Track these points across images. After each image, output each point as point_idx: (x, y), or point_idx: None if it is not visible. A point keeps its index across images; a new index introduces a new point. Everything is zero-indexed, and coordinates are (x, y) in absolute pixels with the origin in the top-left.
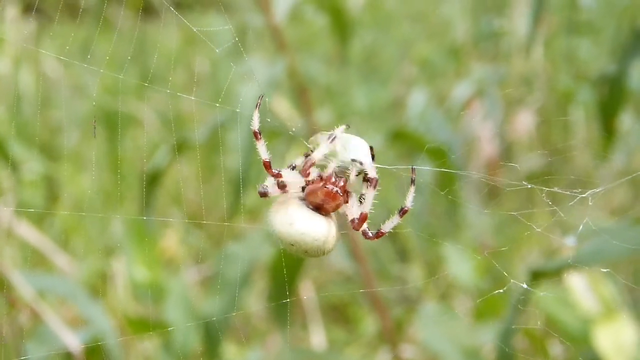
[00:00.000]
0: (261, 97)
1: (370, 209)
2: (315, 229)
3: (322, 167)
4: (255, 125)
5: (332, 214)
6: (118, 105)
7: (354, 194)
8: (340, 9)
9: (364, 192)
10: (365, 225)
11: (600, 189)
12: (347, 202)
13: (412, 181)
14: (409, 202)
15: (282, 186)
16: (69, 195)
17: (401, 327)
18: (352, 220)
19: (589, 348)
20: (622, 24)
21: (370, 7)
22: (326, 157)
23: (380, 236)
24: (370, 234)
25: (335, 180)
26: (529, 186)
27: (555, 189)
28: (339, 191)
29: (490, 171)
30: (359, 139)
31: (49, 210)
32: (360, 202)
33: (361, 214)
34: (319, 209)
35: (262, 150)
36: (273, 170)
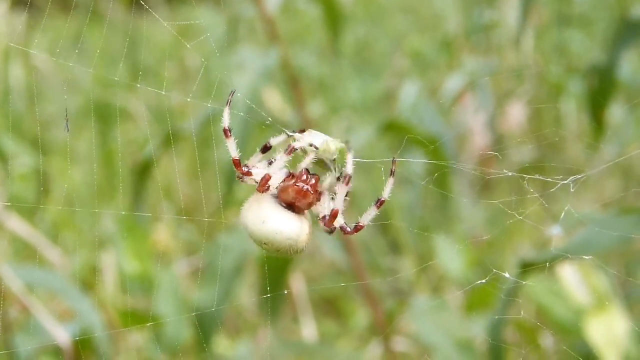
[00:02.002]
0: (232, 93)
1: (344, 206)
2: (288, 228)
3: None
4: (226, 122)
5: (306, 212)
6: (109, 99)
7: (326, 192)
8: (332, 1)
9: (336, 188)
10: (342, 221)
11: (582, 175)
12: (319, 200)
13: (392, 172)
14: (386, 193)
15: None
16: (60, 189)
17: (393, 320)
18: (323, 218)
19: (580, 340)
20: (613, 15)
21: (363, 0)
22: (303, 152)
23: (359, 229)
24: (349, 229)
25: (307, 178)
26: (510, 174)
27: (537, 176)
28: (309, 189)
29: (482, 163)
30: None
31: (40, 204)
32: (332, 199)
33: (332, 210)
34: (291, 207)
35: (232, 148)
36: (242, 168)
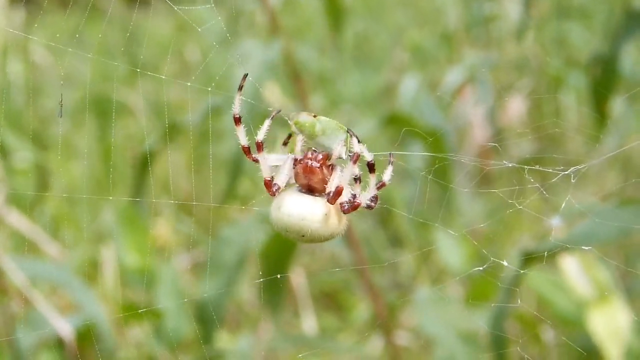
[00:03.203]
0: (245, 76)
1: (358, 189)
2: (299, 209)
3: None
4: (237, 109)
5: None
6: (109, 93)
7: (338, 168)
8: None
9: (344, 167)
10: (346, 198)
11: (583, 166)
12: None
13: (390, 162)
14: (386, 176)
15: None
16: (60, 183)
17: (394, 313)
18: (328, 194)
19: (582, 332)
20: (614, 8)
21: None
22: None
23: (356, 207)
24: (346, 206)
25: (313, 155)
26: (510, 165)
27: (537, 167)
28: (314, 164)
29: (481, 156)
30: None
31: (40, 196)
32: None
33: (336, 187)
34: (311, 190)
35: (242, 136)
36: (253, 156)
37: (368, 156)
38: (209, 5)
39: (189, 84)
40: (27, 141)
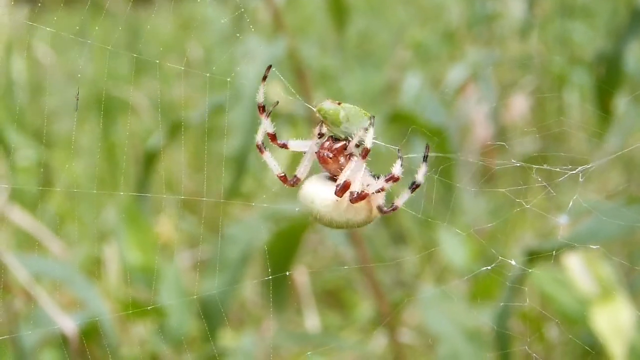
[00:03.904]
0: (269, 68)
1: (377, 186)
2: (314, 194)
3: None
4: (260, 98)
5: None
6: (111, 91)
7: (354, 160)
8: None
9: (354, 161)
10: (381, 201)
11: (590, 165)
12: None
13: (425, 158)
14: (419, 177)
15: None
16: (62, 181)
17: (398, 311)
18: (337, 186)
19: (586, 329)
20: (617, 6)
21: None
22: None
23: (364, 197)
24: (386, 209)
25: (329, 145)
26: (518, 164)
27: (545, 166)
28: (328, 154)
29: (485, 154)
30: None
31: (44, 193)
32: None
33: (344, 181)
34: (334, 178)
35: (267, 124)
36: (279, 142)
37: (368, 143)
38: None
39: (207, 74)
40: (30, 138)
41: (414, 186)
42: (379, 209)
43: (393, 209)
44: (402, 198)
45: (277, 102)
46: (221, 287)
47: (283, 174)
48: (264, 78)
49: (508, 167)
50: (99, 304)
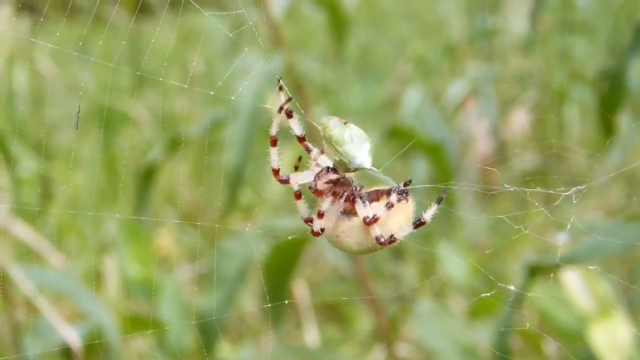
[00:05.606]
0: (288, 99)
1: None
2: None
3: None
4: (274, 130)
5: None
6: (112, 104)
7: (359, 200)
8: (336, 6)
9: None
10: (378, 231)
11: (583, 186)
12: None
13: (439, 200)
14: (427, 216)
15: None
16: (63, 193)
17: (396, 326)
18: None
19: (584, 346)
20: (618, 22)
21: (366, 5)
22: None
23: (393, 242)
24: (383, 240)
25: (324, 174)
26: (512, 189)
27: (538, 189)
28: (320, 188)
29: (484, 171)
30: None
31: (44, 208)
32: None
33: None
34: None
35: (274, 158)
36: (281, 177)
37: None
38: (215, 13)
39: (211, 92)
40: (31, 151)
41: (419, 223)
42: (377, 239)
43: (391, 242)
44: (404, 232)
45: (300, 158)
46: (218, 301)
47: (277, 168)
48: (280, 110)
49: (495, 188)
50: (103, 316)
